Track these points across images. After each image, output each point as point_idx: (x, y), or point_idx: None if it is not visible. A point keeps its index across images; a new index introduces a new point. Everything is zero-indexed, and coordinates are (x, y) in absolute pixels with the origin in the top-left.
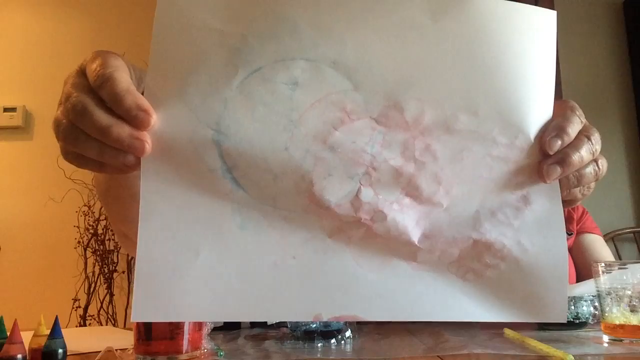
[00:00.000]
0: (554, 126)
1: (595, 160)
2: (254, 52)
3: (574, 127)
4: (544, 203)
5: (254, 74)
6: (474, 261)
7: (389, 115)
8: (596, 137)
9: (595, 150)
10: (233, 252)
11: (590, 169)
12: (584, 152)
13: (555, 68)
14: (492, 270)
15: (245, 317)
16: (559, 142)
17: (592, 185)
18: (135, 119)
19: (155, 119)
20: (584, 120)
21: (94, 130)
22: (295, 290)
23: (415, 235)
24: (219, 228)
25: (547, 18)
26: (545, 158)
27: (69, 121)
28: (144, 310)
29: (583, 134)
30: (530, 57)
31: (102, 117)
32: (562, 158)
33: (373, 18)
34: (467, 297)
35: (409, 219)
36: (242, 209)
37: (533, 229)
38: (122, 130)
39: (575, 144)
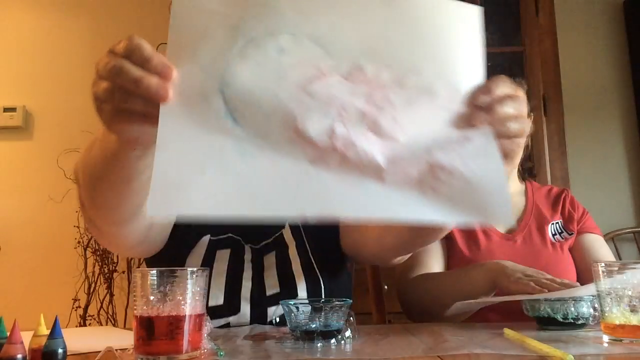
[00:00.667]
0: (483, 85)
1: (520, 118)
2: (249, 27)
3: (500, 89)
4: (481, 140)
5: (250, 43)
6: (431, 180)
7: (354, 75)
8: (520, 99)
9: (519, 108)
10: (233, 173)
11: (515, 125)
12: (507, 107)
13: (481, 42)
14: (447, 186)
15: (241, 212)
16: (484, 96)
17: (520, 142)
18: (162, 73)
19: (175, 74)
20: (517, 93)
21: (130, 82)
22: (285, 198)
23: (381, 161)
24: (221, 155)
25: (472, 10)
26: (475, 108)
27: (109, 83)
28: (159, 205)
29: (508, 95)
30: (459, 35)
31: (136, 71)
32: (487, 108)
33: (341, 3)
34: (427, 206)
35: (375, 149)
36: (241, 142)
37: (477, 156)
38: (152, 80)
39: (499, 100)
